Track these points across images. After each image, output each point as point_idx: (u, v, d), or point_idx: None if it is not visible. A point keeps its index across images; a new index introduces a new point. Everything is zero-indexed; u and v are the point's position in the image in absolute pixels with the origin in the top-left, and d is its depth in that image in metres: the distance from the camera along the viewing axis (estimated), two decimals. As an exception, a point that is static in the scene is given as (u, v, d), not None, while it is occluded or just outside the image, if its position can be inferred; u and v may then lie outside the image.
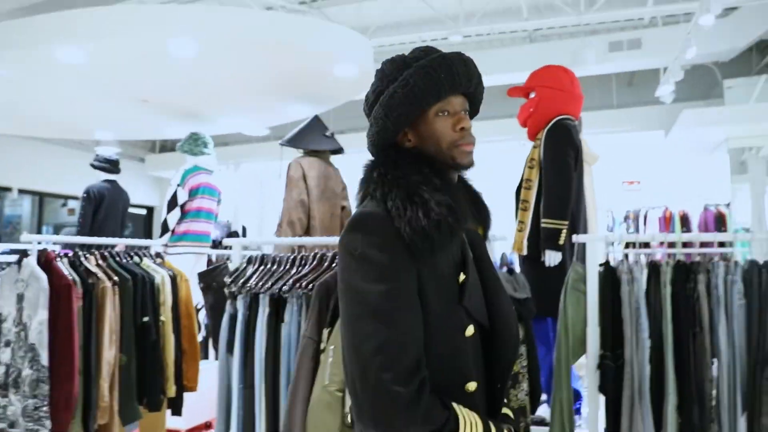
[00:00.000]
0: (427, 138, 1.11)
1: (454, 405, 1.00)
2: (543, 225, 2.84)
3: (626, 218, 7.82)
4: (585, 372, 2.40)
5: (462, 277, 1.07)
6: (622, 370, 2.24)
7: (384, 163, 1.10)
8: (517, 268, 2.80)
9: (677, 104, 7.02)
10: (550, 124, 2.98)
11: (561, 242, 2.77)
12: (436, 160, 1.10)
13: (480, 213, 1.22)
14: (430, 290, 1.03)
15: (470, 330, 1.06)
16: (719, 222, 7.39)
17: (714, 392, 2.15)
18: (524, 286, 2.12)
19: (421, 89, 1.08)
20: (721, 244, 6.36)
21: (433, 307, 1.02)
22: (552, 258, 2.80)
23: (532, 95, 3.15)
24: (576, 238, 2.33)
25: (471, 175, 1.24)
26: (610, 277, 2.31)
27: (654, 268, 2.27)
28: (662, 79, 6.06)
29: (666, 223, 7.64)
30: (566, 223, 2.80)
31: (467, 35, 6.76)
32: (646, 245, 7.80)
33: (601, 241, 2.34)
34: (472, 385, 1.05)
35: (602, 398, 2.32)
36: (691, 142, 6.76)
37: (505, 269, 2.14)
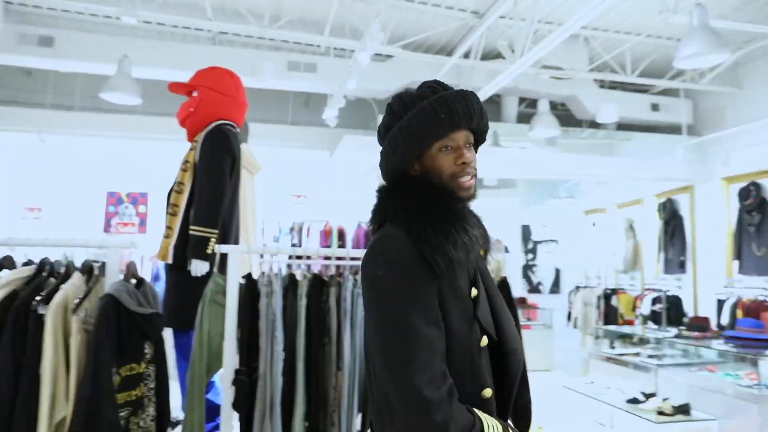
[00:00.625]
0: (431, 171, 1.22)
1: (476, 410, 1.08)
2: (191, 232, 2.68)
3: (291, 230, 8.25)
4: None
5: (474, 292, 1.19)
6: (256, 385, 2.22)
7: (398, 191, 1.22)
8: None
9: (343, 129, 7.76)
10: (210, 128, 2.86)
11: (209, 251, 2.65)
12: (442, 189, 1.21)
13: (482, 236, 1.29)
14: (449, 305, 1.13)
15: (485, 341, 1.17)
16: (368, 238, 8.44)
17: (337, 397, 2.31)
18: (153, 300, 1.91)
19: (423, 130, 1.18)
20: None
21: (453, 320, 1.12)
22: (199, 268, 2.66)
23: (195, 94, 2.98)
24: (217, 248, 2.24)
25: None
26: (250, 289, 2.29)
27: (292, 281, 2.34)
28: (328, 104, 6.61)
29: (326, 236, 8.33)
30: (216, 231, 2.69)
31: (146, 21, 6.19)
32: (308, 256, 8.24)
33: (237, 252, 2.29)
34: (488, 392, 1.14)
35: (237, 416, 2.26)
36: (350, 165, 7.56)
37: (133, 281, 1.89)
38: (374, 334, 1.10)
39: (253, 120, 7.93)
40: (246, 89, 3.30)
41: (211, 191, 2.71)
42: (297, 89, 7.28)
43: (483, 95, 6.85)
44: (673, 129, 8.17)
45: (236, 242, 2.96)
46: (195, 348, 2.18)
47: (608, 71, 7.13)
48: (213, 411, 2.58)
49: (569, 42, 6.81)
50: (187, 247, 2.67)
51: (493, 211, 9.67)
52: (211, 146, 2.78)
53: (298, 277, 2.39)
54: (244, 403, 2.16)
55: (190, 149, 2.85)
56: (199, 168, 2.77)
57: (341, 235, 8.40)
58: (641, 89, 8.23)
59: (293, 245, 7.97)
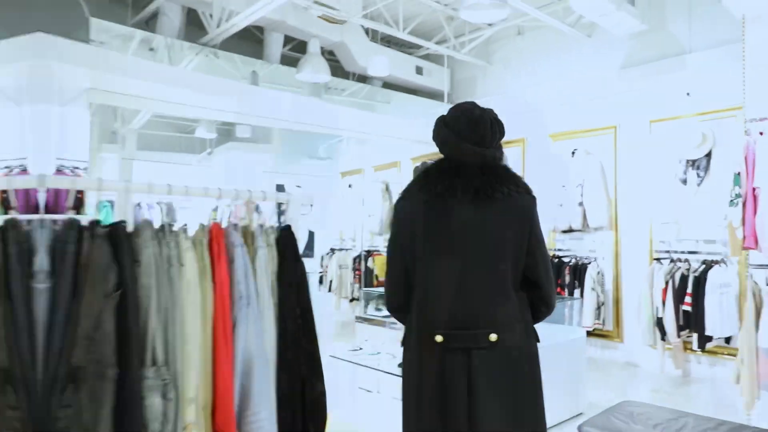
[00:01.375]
0: None
1: None
2: None
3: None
4: None
5: None
6: None
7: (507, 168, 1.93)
8: None
9: (40, 35, 5.57)
10: None
11: None
12: None
13: None
14: None
15: None
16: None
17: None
18: None
19: None
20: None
21: None
22: None
23: None
24: None
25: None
26: None
27: None
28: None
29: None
30: None
31: None
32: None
33: None
34: None
35: None
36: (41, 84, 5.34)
37: None
38: (541, 248, 1.86)
39: None
40: None
41: None
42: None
43: (244, 21, 5.73)
44: (433, 95, 8.24)
45: None
46: None
47: (381, 22, 6.66)
48: None
49: (345, -21, 6.12)
50: None
51: (246, 166, 8.58)
52: None
53: None
54: None
55: None
56: None
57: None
58: (408, 51, 8.07)
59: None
